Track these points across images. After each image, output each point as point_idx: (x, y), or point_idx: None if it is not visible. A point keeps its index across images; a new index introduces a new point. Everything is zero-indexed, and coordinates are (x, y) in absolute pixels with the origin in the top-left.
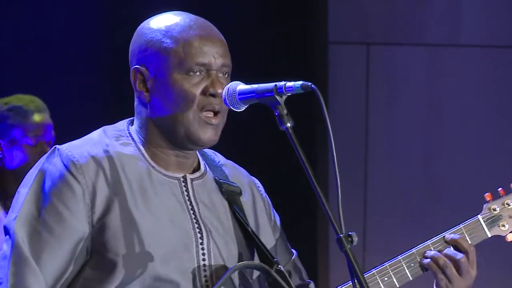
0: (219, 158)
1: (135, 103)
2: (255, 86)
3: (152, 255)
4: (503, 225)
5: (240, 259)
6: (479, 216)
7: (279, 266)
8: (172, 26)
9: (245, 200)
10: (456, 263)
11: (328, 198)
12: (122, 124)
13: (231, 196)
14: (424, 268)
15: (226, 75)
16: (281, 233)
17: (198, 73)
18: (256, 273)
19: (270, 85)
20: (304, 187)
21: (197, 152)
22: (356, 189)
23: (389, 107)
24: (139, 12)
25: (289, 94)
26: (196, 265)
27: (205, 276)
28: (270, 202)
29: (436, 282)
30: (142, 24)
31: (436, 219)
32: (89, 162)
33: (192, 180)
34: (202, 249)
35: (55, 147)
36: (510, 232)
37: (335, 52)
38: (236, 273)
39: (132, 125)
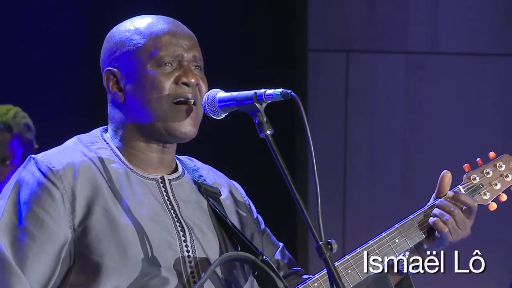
0: (195, 162)
1: (108, 109)
2: (234, 93)
3: (137, 254)
4: (485, 194)
5: (224, 253)
6: (459, 186)
7: (265, 257)
8: (140, 24)
9: (224, 199)
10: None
11: (308, 205)
12: (96, 131)
13: (210, 195)
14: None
15: (199, 69)
16: (266, 229)
17: (169, 65)
18: (242, 269)
19: (250, 92)
20: (284, 194)
21: (174, 156)
22: (336, 196)
23: (368, 114)
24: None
25: (269, 101)
26: (181, 261)
27: (192, 272)
28: (251, 202)
29: (439, 232)
30: (109, 32)
31: None
32: (66, 167)
33: (170, 180)
34: (186, 246)
35: (31, 157)
36: (492, 201)
37: (315, 59)
38: (222, 266)
39: (106, 133)
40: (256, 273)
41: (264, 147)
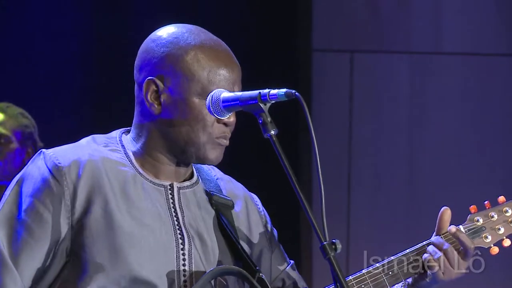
0: (215, 172)
1: (138, 113)
2: (239, 93)
3: (129, 257)
4: (486, 237)
5: (222, 265)
6: (460, 226)
7: (261, 274)
8: (197, 47)
9: (238, 212)
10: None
11: (312, 205)
12: (115, 133)
13: (221, 207)
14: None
15: None
16: (278, 245)
17: None
18: (240, 284)
19: (254, 92)
20: (288, 194)
21: (191, 164)
22: (340, 197)
23: (372, 114)
24: (124, 22)
25: (273, 101)
26: (176, 270)
27: (185, 281)
28: (268, 217)
29: (430, 270)
30: (159, 33)
31: (420, 226)
32: (72, 165)
33: (179, 188)
34: (183, 254)
35: (41, 151)
36: (494, 245)
37: (319, 59)
38: (217, 279)
39: (126, 135)
40: None
41: (268, 147)
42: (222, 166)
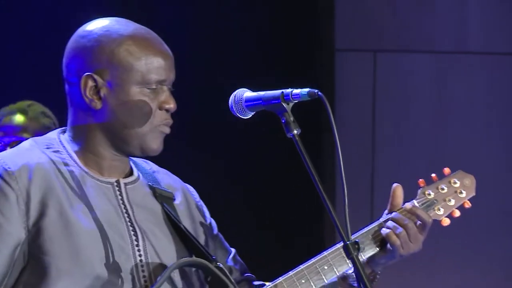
0: (150, 165)
1: (73, 111)
2: (261, 93)
3: (89, 257)
4: (438, 209)
5: (178, 258)
6: (414, 201)
7: (219, 264)
8: (130, 37)
9: (178, 204)
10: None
11: (335, 205)
12: (53, 133)
13: (164, 200)
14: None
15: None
16: (218, 234)
17: (154, 87)
18: (196, 275)
19: (277, 92)
20: (311, 194)
21: (129, 159)
22: (363, 197)
23: (396, 114)
24: (137, 15)
25: (296, 101)
26: (133, 266)
27: (144, 276)
28: (205, 207)
29: (391, 245)
30: (88, 28)
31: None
32: (22, 169)
33: (125, 184)
34: (138, 250)
35: None
36: (445, 217)
37: (342, 59)
38: (177, 272)
39: (63, 134)
40: (208, 279)
41: (291, 146)
42: (245, 164)
